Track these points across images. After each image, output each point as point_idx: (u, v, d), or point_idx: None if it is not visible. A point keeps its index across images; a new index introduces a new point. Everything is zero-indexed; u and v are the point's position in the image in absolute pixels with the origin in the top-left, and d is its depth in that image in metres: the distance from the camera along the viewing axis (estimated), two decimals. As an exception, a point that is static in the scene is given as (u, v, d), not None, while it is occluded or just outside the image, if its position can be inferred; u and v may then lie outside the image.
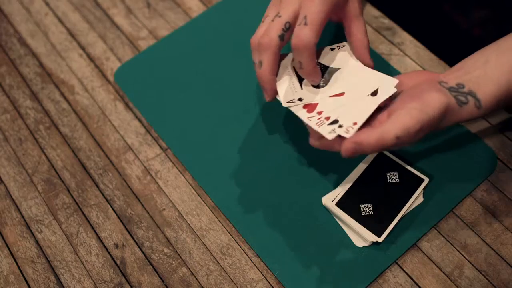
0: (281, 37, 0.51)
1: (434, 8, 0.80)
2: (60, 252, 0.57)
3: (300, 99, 0.52)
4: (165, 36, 0.70)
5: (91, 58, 0.70)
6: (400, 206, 0.55)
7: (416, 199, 0.56)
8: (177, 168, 0.61)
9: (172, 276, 0.55)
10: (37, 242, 0.58)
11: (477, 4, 0.77)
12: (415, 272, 0.53)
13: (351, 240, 0.55)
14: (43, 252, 0.58)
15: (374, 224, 0.54)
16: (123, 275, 0.56)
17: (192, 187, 0.60)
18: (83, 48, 0.71)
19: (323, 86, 0.53)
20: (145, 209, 0.59)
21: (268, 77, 0.52)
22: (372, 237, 0.54)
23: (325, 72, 0.53)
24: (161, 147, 0.63)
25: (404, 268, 0.54)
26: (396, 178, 0.57)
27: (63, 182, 0.61)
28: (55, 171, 0.62)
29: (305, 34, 0.48)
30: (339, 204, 0.56)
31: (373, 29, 0.68)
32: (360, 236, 0.55)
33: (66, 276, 0.56)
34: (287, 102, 0.52)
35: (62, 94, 0.68)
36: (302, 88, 0.53)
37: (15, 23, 0.74)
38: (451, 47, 0.69)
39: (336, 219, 0.56)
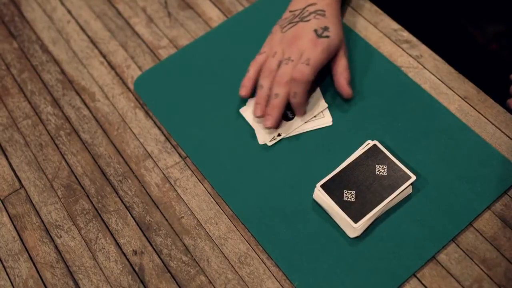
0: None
1: (451, 22, 0.80)
2: (79, 257, 0.58)
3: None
4: (186, 45, 0.71)
5: (112, 66, 0.71)
6: (382, 198, 0.56)
7: (402, 193, 0.56)
8: (196, 176, 0.62)
9: (190, 284, 0.55)
10: (56, 247, 0.59)
11: (491, 19, 0.77)
12: (434, 285, 0.53)
13: (371, 253, 0.55)
14: (62, 257, 0.58)
15: (353, 210, 0.55)
16: (141, 281, 0.56)
17: (210, 195, 0.60)
18: (104, 56, 0.72)
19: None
20: (164, 217, 0.59)
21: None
22: (349, 222, 0.55)
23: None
24: (180, 155, 0.63)
25: (423, 281, 0.54)
26: (384, 171, 0.57)
27: (83, 188, 0.62)
28: (75, 177, 0.63)
29: (305, 71, 0.59)
30: (324, 186, 0.57)
31: (392, 42, 0.68)
32: (342, 221, 0.55)
33: (84, 282, 0.56)
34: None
35: (83, 101, 0.68)
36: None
37: (37, 30, 0.75)
38: (469, 61, 0.69)
39: (324, 207, 0.57)
